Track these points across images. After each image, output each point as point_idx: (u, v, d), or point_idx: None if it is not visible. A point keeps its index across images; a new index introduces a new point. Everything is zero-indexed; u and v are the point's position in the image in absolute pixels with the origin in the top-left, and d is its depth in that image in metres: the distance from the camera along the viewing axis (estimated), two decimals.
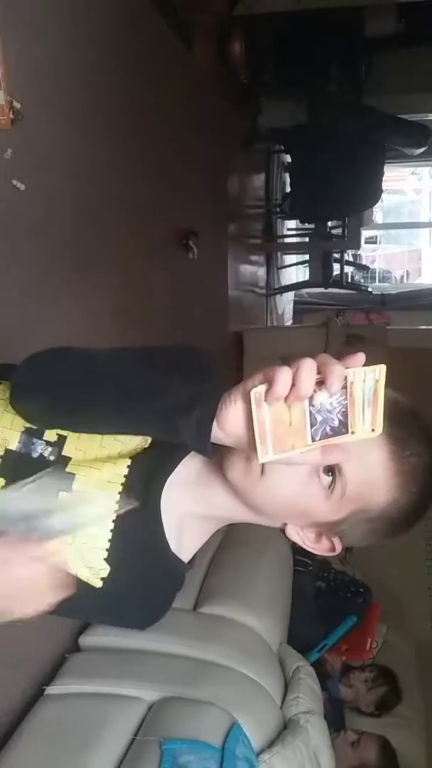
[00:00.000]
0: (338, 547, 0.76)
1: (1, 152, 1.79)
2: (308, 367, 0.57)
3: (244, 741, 1.72)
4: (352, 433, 0.60)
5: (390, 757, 2.31)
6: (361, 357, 0.59)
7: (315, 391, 0.58)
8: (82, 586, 0.76)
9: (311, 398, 0.59)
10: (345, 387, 0.59)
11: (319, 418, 0.60)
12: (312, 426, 0.60)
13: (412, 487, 0.71)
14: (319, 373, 0.58)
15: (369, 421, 0.60)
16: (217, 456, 0.75)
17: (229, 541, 2.78)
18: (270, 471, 0.70)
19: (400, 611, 3.56)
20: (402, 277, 8.37)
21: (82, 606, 0.78)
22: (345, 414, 0.60)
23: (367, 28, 4.25)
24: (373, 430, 0.60)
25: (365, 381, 0.58)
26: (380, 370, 0.59)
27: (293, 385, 0.57)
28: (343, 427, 0.60)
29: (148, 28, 2.97)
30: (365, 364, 0.59)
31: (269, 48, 4.37)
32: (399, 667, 2.87)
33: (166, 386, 0.67)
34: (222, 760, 1.61)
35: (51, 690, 1.93)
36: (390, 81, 4.58)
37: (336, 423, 0.60)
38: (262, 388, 0.59)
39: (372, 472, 0.70)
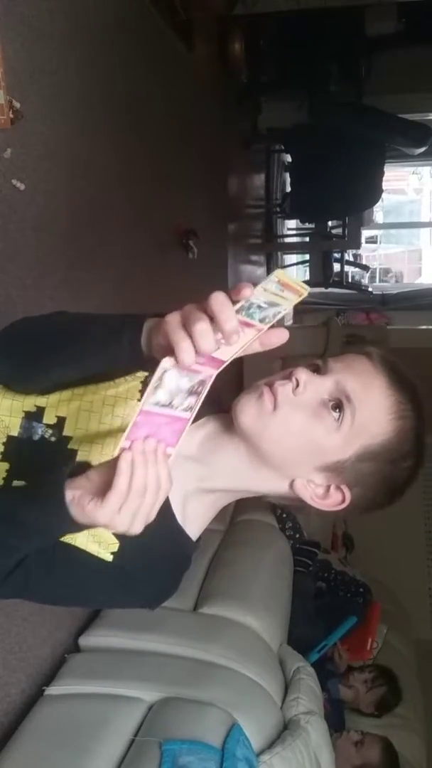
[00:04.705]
0: (347, 496, 0.78)
1: (1, 152, 1.79)
2: (204, 332, 0.59)
3: (244, 741, 1.72)
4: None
5: (393, 758, 2.30)
6: (246, 290, 0.61)
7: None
8: (92, 560, 0.76)
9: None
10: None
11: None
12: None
13: (410, 413, 0.75)
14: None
15: (292, 296, 0.63)
16: (221, 419, 0.81)
17: (229, 541, 2.78)
18: (281, 406, 0.73)
19: (400, 611, 3.56)
20: (397, 276, 8.36)
21: (93, 583, 0.78)
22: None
23: (367, 28, 4.25)
24: (300, 294, 0.63)
25: (266, 290, 0.61)
26: (275, 275, 0.61)
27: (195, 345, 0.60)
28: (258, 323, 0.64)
29: (148, 28, 2.97)
30: None
31: (269, 48, 4.37)
32: (399, 667, 2.87)
33: (102, 321, 0.74)
34: (222, 761, 1.61)
35: (51, 690, 1.93)
36: (390, 81, 4.58)
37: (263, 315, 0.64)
38: (168, 362, 0.61)
39: (375, 400, 0.74)
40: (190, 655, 2.10)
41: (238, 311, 0.61)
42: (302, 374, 0.74)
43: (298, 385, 0.74)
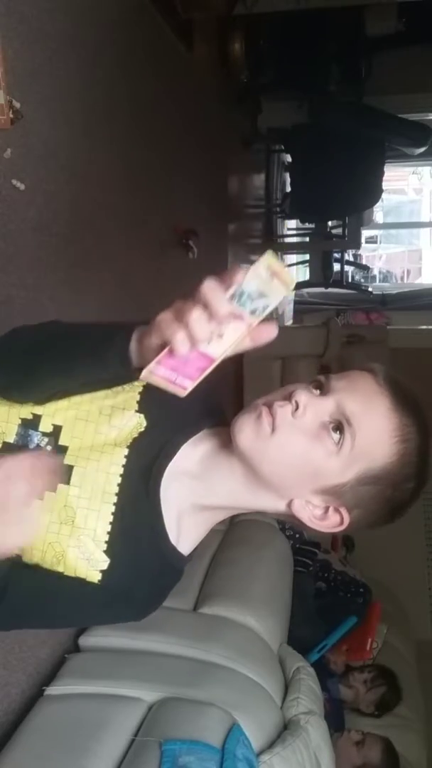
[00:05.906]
0: (346, 519, 0.76)
1: (1, 152, 1.79)
2: (198, 318, 0.61)
3: (244, 741, 1.72)
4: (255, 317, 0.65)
5: (394, 758, 2.30)
6: (239, 274, 0.62)
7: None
8: (76, 585, 0.76)
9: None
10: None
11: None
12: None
13: (414, 435, 0.72)
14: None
15: (280, 287, 0.63)
16: (220, 435, 0.80)
17: (229, 541, 2.78)
18: (280, 428, 0.72)
19: (400, 611, 3.56)
20: (402, 276, 8.37)
21: (76, 607, 0.78)
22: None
23: (367, 28, 4.25)
24: (288, 287, 0.64)
25: (257, 275, 0.62)
26: (264, 258, 0.62)
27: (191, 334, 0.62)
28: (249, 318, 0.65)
29: (148, 28, 2.97)
30: None
31: (269, 48, 4.37)
32: (399, 667, 2.87)
33: (93, 330, 0.76)
34: (222, 761, 1.61)
35: (51, 690, 1.93)
36: (390, 81, 4.58)
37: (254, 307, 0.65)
38: (156, 365, 0.64)
39: (377, 422, 0.72)
40: (190, 655, 2.10)
41: (231, 297, 0.62)
42: (302, 396, 0.72)
43: (297, 408, 0.72)
